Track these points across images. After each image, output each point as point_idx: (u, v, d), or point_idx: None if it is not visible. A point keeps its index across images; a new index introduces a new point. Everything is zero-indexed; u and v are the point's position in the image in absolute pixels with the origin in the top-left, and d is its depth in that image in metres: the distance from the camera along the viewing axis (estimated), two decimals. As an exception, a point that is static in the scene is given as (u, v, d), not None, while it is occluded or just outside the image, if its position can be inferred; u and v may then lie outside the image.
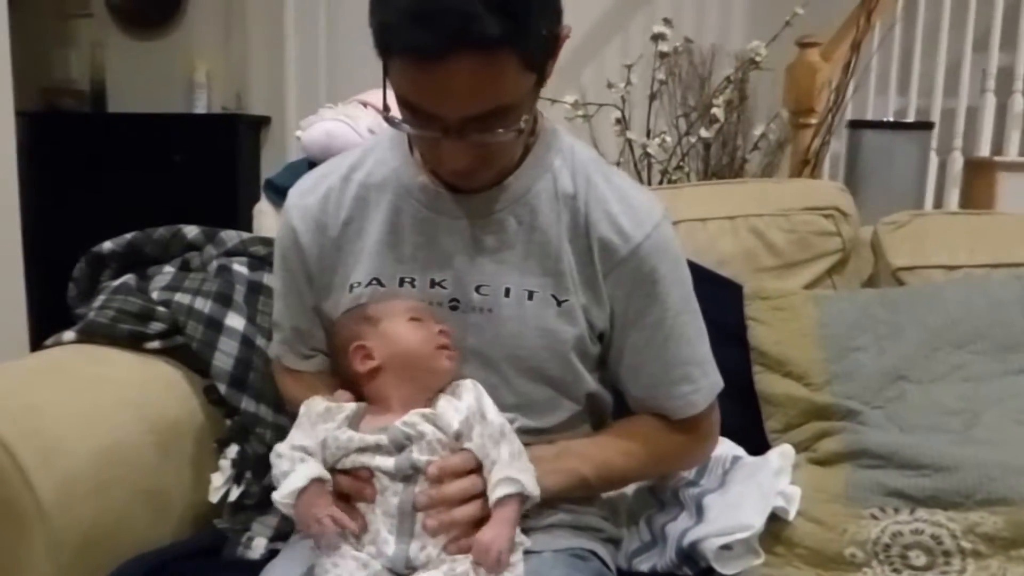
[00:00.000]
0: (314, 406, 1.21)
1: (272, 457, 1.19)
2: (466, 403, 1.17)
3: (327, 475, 1.15)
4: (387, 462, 1.13)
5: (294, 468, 1.15)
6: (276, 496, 1.15)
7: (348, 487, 1.16)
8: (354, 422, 1.19)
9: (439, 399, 1.19)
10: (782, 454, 1.49)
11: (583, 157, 1.31)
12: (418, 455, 1.13)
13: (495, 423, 1.16)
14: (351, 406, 1.20)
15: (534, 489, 1.14)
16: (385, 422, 1.16)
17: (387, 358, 1.20)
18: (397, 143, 1.32)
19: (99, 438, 1.35)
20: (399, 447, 1.14)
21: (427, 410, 1.16)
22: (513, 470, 1.13)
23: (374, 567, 1.12)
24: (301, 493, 1.13)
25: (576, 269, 1.26)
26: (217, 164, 3.76)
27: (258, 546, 1.42)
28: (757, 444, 1.60)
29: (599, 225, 1.25)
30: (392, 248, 1.29)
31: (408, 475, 1.13)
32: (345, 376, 1.25)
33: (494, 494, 1.12)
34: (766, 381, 1.68)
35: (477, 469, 1.15)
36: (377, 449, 1.14)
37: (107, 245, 1.73)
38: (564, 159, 1.29)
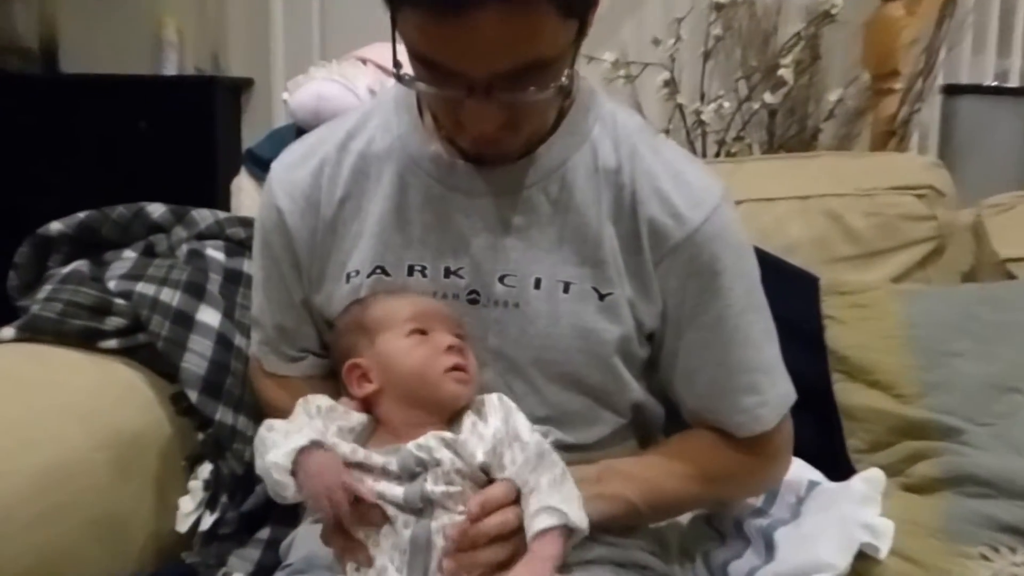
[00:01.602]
0: (315, 400, 1.19)
1: (256, 441, 1.17)
2: (493, 427, 1.15)
3: (331, 444, 1.13)
4: (394, 490, 1.11)
5: (288, 436, 1.12)
6: (269, 458, 1.11)
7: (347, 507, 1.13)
8: (361, 436, 1.17)
9: (464, 418, 1.17)
10: (869, 479, 1.45)
11: (627, 125, 1.29)
12: (432, 486, 1.11)
13: (531, 445, 1.14)
14: (360, 417, 1.19)
15: (580, 521, 1.11)
16: (397, 443, 1.14)
17: (385, 382, 1.19)
18: (403, 105, 1.31)
19: (42, 456, 1.34)
20: (410, 474, 1.11)
21: (447, 434, 1.14)
22: (555, 498, 1.11)
23: None
24: (301, 454, 1.10)
25: (621, 256, 1.25)
26: (189, 134, 3.76)
27: (236, 584, 1.41)
28: (838, 467, 1.59)
29: (648, 205, 1.24)
30: (398, 230, 1.27)
31: (418, 508, 1.11)
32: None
33: (532, 526, 1.10)
34: (847, 392, 1.68)
35: (516, 500, 1.13)
36: (383, 473, 1.12)
37: (55, 226, 1.73)
38: (605, 127, 1.28)
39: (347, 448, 1.13)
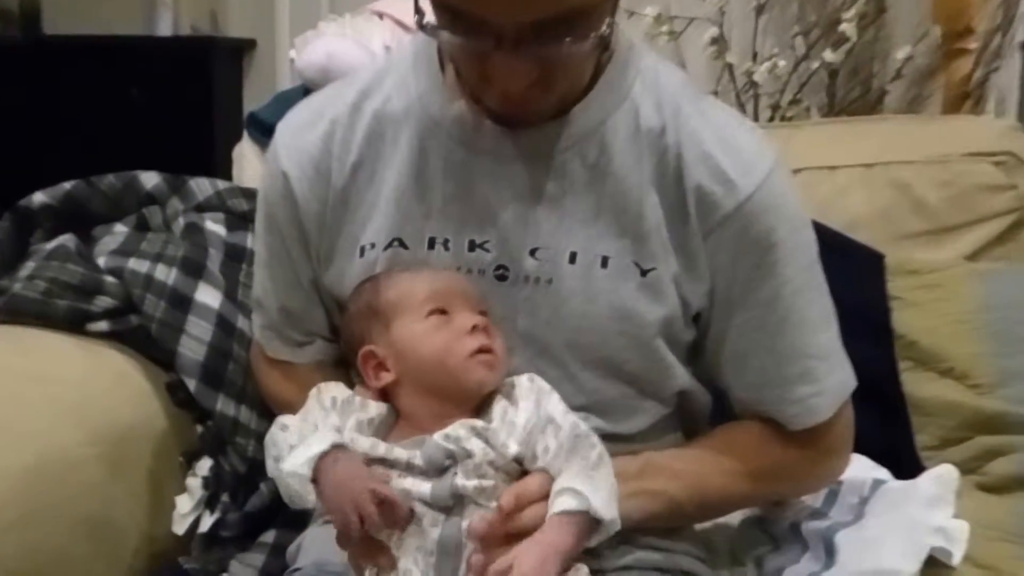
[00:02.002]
0: (329, 391, 1.19)
1: (267, 440, 1.16)
2: (525, 414, 1.14)
3: (350, 440, 1.13)
4: (420, 486, 1.11)
5: (305, 440, 1.12)
6: (286, 467, 1.11)
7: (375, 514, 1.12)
8: (381, 428, 1.17)
9: (494, 404, 1.16)
10: (940, 478, 1.45)
11: (671, 83, 1.29)
12: (463, 480, 1.10)
13: (565, 428, 1.13)
14: (379, 407, 1.18)
15: (607, 511, 1.10)
16: (420, 434, 1.14)
17: (404, 371, 1.18)
18: (423, 61, 1.30)
19: (26, 452, 1.35)
20: (438, 469, 1.11)
21: (477, 422, 1.13)
22: (580, 481, 1.10)
23: None
24: (322, 460, 1.10)
25: (666, 228, 1.24)
26: (186, 101, 3.79)
27: (238, 592, 1.42)
28: (905, 465, 1.58)
29: (695, 171, 1.24)
30: (417, 199, 1.27)
31: (448, 506, 1.10)
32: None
33: (551, 508, 1.09)
34: (916, 382, 1.67)
35: None
36: (408, 468, 1.11)
37: (38, 197, 1.74)
38: (646, 84, 1.27)
39: (367, 443, 1.13)
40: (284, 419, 1.16)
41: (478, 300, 1.22)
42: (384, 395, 1.20)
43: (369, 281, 1.26)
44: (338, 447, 1.11)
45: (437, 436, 1.11)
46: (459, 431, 1.11)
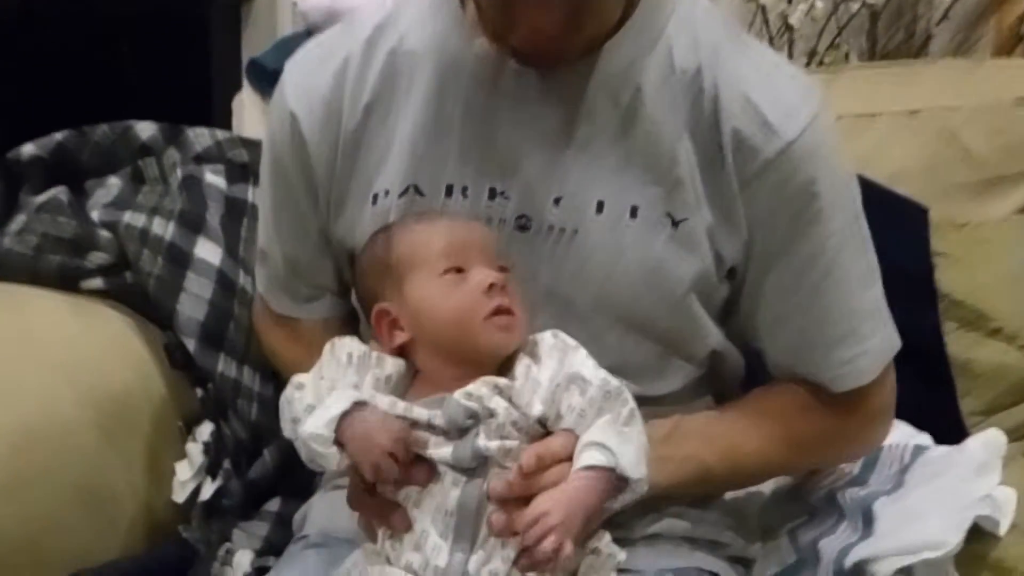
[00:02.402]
0: (345, 346, 1.19)
1: (282, 400, 1.17)
2: (549, 371, 1.14)
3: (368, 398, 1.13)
4: (441, 448, 1.11)
5: (323, 400, 1.13)
6: (306, 430, 1.11)
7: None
8: (399, 386, 1.18)
9: (517, 362, 1.16)
10: (987, 443, 1.46)
11: (709, 22, 1.28)
12: (485, 440, 1.11)
13: (594, 384, 1.13)
14: (396, 363, 1.18)
15: (635, 470, 1.10)
16: (440, 392, 1.14)
17: (419, 332, 1.18)
18: (442, -5, 1.31)
19: (16, 416, 1.36)
20: (459, 429, 1.12)
21: (500, 380, 1.14)
22: (607, 435, 1.10)
23: None
24: (344, 419, 1.10)
25: (700, 176, 1.24)
26: (180, 47, 3.77)
27: (241, 563, 1.44)
28: (949, 431, 1.58)
29: (733, 114, 1.23)
30: (434, 143, 1.28)
31: (471, 468, 1.11)
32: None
33: (576, 463, 1.10)
34: (962, 343, 1.68)
35: None
36: (428, 428, 1.12)
37: (27, 149, 1.74)
38: (681, 22, 1.26)
39: (386, 402, 1.13)
40: (299, 378, 1.17)
41: (498, 253, 1.21)
42: (401, 351, 1.20)
43: (382, 232, 1.25)
44: (359, 404, 1.11)
45: (458, 395, 1.11)
46: (481, 389, 1.11)
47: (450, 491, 1.10)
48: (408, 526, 1.12)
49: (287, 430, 1.16)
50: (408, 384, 1.18)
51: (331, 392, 1.13)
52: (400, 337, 1.18)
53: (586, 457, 1.09)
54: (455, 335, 1.15)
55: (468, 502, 1.10)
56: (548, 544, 1.04)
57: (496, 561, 1.09)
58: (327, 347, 1.19)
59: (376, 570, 1.12)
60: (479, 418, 1.11)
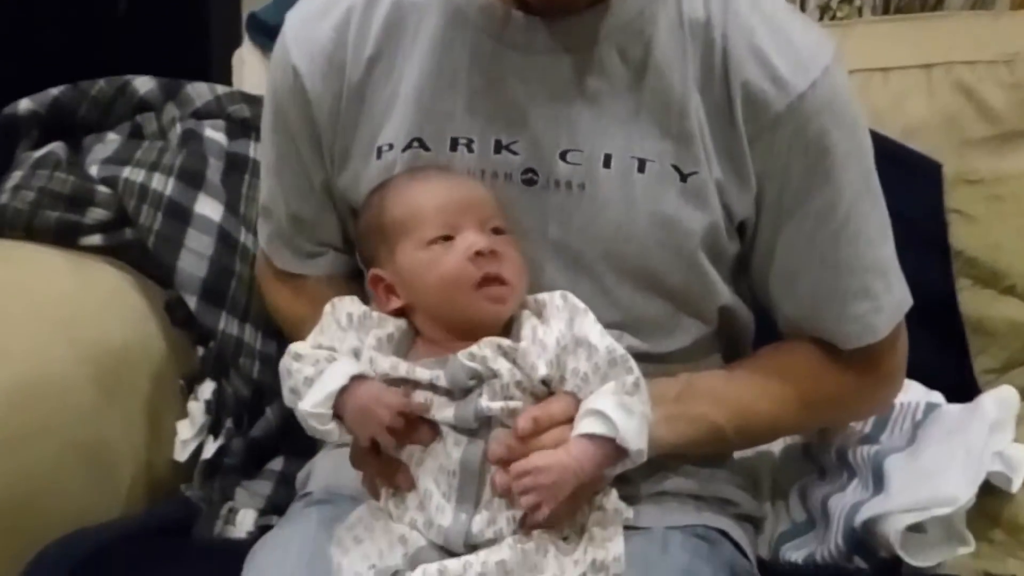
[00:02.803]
0: (345, 306, 1.19)
1: (282, 368, 1.17)
2: (556, 333, 1.14)
3: (369, 360, 1.14)
4: (444, 408, 1.12)
5: (321, 372, 1.13)
6: (305, 407, 1.12)
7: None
8: (401, 345, 1.18)
9: (524, 322, 1.16)
10: (1001, 401, 1.45)
11: None
12: (488, 401, 1.11)
13: (601, 350, 1.13)
14: (398, 322, 1.19)
15: (635, 442, 1.10)
16: (443, 353, 1.14)
17: (412, 299, 1.19)
18: (448, -58, 1.30)
19: (13, 372, 1.36)
20: (463, 389, 1.12)
21: (504, 340, 1.13)
22: (609, 404, 1.10)
23: (415, 543, 1.11)
24: (341, 395, 1.11)
25: (709, 130, 1.24)
26: (179, 2, 3.77)
27: (244, 521, 1.44)
28: (962, 388, 1.58)
29: (743, 66, 1.23)
30: (439, 96, 1.27)
31: (473, 428, 1.11)
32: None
33: (576, 429, 1.10)
34: (976, 301, 1.68)
35: None
36: (431, 389, 1.12)
37: (24, 104, 1.74)
38: None
39: (387, 363, 1.13)
40: (296, 347, 1.16)
41: (493, 214, 1.20)
42: (401, 313, 1.20)
43: (376, 193, 1.25)
44: (356, 379, 1.11)
45: (461, 355, 1.11)
46: (485, 350, 1.11)
47: (452, 451, 1.11)
48: (412, 485, 1.12)
49: (288, 399, 1.17)
50: (410, 344, 1.18)
51: (330, 363, 1.13)
52: (395, 303, 1.19)
53: (587, 424, 1.09)
54: (445, 306, 1.16)
55: (470, 462, 1.11)
56: (529, 500, 1.06)
57: (500, 522, 1.10)
58: (327, 308, 1.20)
59: (380, 525, 1.13)
60: (482, 379, 1.11)
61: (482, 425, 1.11)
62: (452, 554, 1.10)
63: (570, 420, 1.11)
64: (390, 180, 1.25)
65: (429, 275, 1.16)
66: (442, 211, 1.18)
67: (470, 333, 1.14)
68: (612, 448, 1.09)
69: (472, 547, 1.10)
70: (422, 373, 1.12)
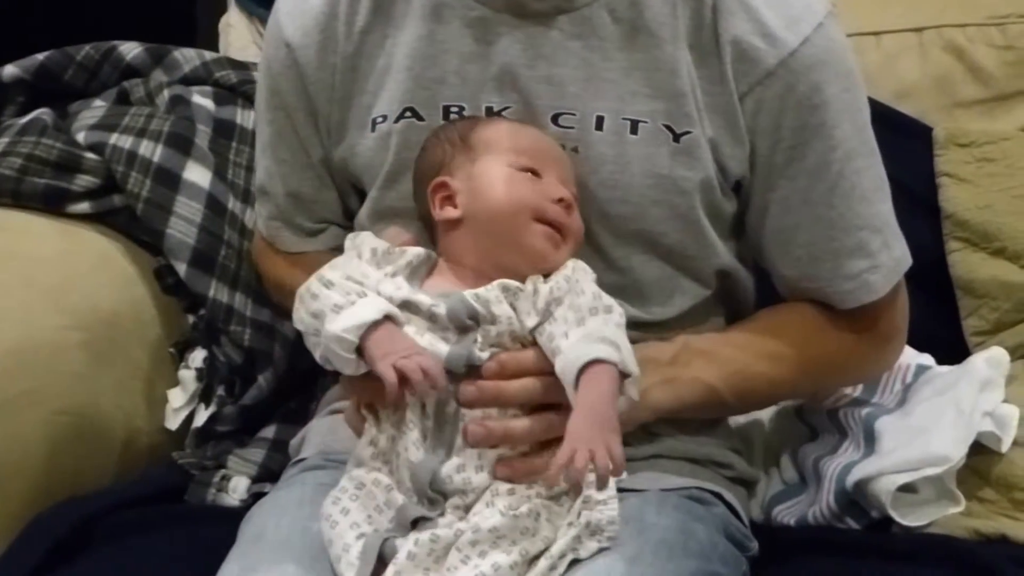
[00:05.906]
0: (368, 241, 1.21)
1: (303, 292, 1.17)
2: (551, 283, 1.15)
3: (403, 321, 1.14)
4: (438, 345, 1.12)
5: (353, 303, 1.13)
6: (332, 329, 1.11)
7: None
8: (415, 274, 1.19)
9: (529, 278, 1.17)
10: (991, 360, 1.48)
11: None
12: (480, 348, 1.13)
13: (588, 295, 1.14)
14: (416, 252, 1.20)
15: (633, 365, 1.09)
16: (452, 287, 1.16)
17: (470, 213, 1.19)
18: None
19: (4, 338, 1.37)
20: (459, 327, 1.13)
21: (512, 283, 1.14)
22: (606, 330, 1.10)
23: (396, 501, 1.12)
24: (371, 329, 1.11)
25: (700, 87, 1.25)
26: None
27: (237, 488, 1.45)
28: (952, 349, 1.61)
29: (733, 21, 1.23)
30: (431, 64, 1.27)
31: (459, 374, 1.12)
32: (423, 212, 1.24)
33: (574, 359, 1.07)
34: (967, 262, 1.68)
35: (551, 373, 1.13)
36: (429, 318, 1.14)
37: (9, 70, 1.75)
38: None
39: (391, 285, 1.15)
40: (328, 274, 1.16)
41: (572, 181, 1.21)
42: (434, 239, 1.22)
43: (467, 118, 1.25)
44: (389, 318, 1.11)
45: (466, 292, 1.13)
46: (490, 293, 1.13)
47: (430, 394, 1.11)
48: (402, 403, 1.12)
49: (302, 322, 1.16)
50: (424, 278, 1.19)
51: (360, 297, 1.13)
52: (450, 212, 1.19)
53: (589, 350, 1.07)
54: (504, 223, 1.17)
55: (446, 405, 1.12)
56: (600, 459, 1.02)
57: (470, 470, 1.11)
58: (348, 242, 1.22)
59: (364, 493, 1.14)
60: (480, 321, 1.12)
61: (469, 372, 1.12)
62: (430, 502, 1.11)
63: (540, 372, 1.11)
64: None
65: (508, 191, 1.17)
66: (538, 152, 1.20)
67: (500, 268, 1.16)
68: (617, 374, 1.08)
69: (440, 493, 1.11)
70: (423, 299, 1.13)
